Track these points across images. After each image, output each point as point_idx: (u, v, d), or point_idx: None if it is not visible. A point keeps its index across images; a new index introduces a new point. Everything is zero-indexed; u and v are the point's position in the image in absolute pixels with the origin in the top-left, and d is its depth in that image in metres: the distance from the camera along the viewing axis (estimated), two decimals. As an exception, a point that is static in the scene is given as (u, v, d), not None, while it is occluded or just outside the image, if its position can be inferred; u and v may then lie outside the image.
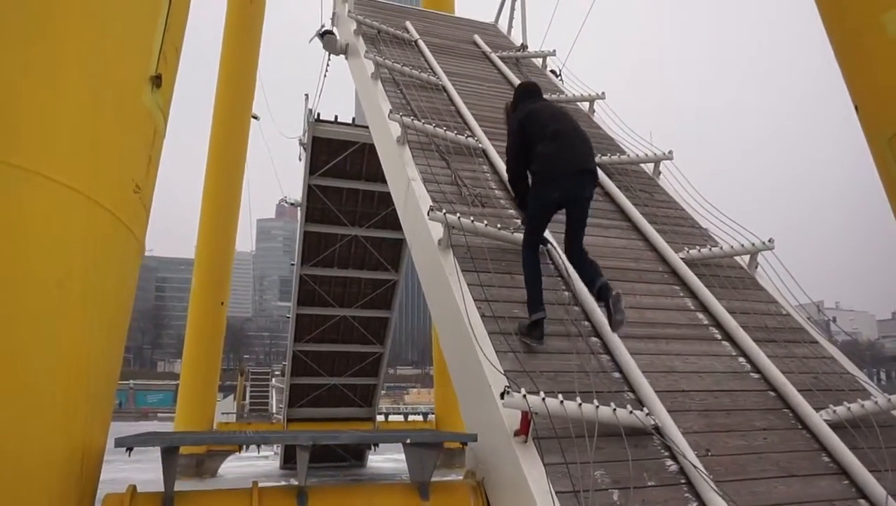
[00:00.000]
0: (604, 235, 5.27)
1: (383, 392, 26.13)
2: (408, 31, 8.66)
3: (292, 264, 15.13)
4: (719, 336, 4.41)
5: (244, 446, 16.05)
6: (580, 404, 3.17)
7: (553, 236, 4.65)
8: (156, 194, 3.82)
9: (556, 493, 2.89)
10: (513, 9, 10.28)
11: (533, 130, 4.19)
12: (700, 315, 4.58)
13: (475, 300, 4.01)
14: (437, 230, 4.47)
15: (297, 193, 14.75)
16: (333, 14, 9.30)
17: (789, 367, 4.12)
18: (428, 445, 3.55)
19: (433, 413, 19.18)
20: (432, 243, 4.51)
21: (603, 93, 7.81)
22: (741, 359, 4.23)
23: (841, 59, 5.99)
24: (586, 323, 4.19)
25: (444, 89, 7.20)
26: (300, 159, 13.69)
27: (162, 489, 3.23)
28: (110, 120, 3.20)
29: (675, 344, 4.23)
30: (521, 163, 4.41)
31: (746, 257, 5.24)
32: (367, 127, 8.74)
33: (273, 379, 24.01)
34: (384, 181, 6.51)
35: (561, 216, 4.22)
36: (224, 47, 17.23)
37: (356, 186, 13.23)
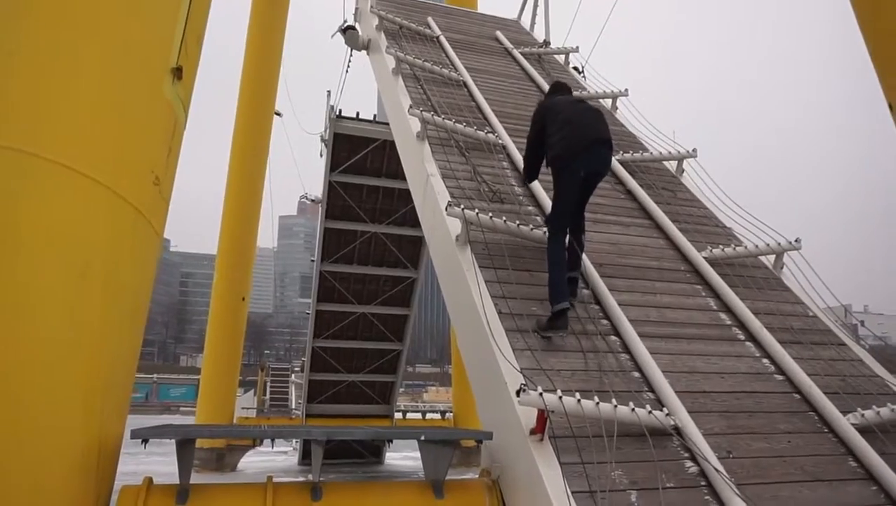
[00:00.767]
0: (625, 233, 5.19)
1: (401, 390, 26.20)
2: (430, 27, 8.64)
3: (312, 261, 15.22)
4: (742, 337, 4.31)
5: (262, 441, 16.20)
6: (598, 403, 3.11)
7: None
8: (182, 190, 3.84)
9: (573, 493, 2.83)
10: (536, 5, 10.20)
11: (550, 117, 4.31)
12: (723, 315, 4.48)
13: (492, 297, 3.97)
14: (455, 226, 4.44)
15: (318, 189, 14.84)
16: (356, 10, 9.31)
17: (815, 369, 4.01)
18: (443, 442, 3.51)
19: (451, 412, 19.17)
20: (450, 239, 4.48)
21: (626, 90, 7.70)
22: (765, 360, 4.12)
23: (875, 59, 5.87)
24: (605, 321, 4.12)
25: (465, 85, 7.16)
26: (321, 156, 13.76)
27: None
28: (131, 112, 3.22)
29: (697, 344, 4.14)
30: (536, 150, 4.53)
31: (772, 258, 5.12)
32: (388, 124, 8.75)
33: (293, 375, 24.22)
34: (404, 179, 6.50)
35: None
36: (248, 42, 17.39)
37: (377, 182, 13.27)
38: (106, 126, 3.06)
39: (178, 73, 3.46)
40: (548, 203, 4.82)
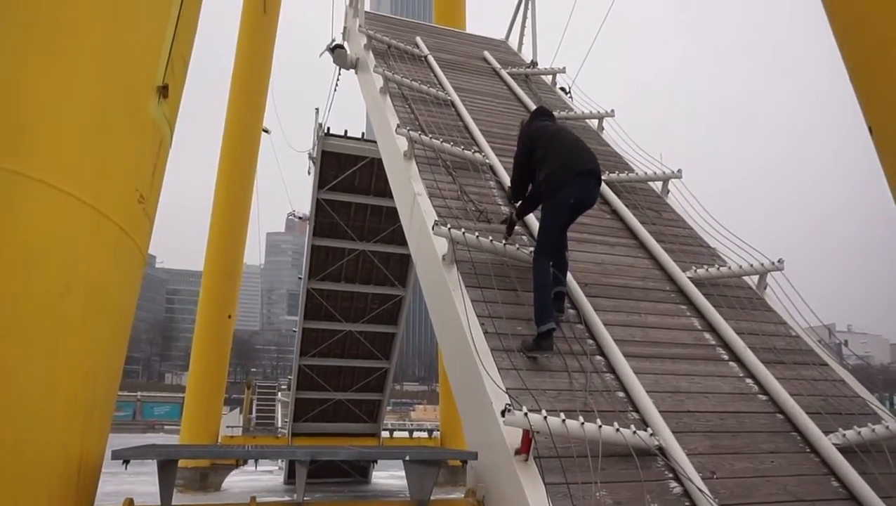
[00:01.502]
0: (611, 253, 5.23)
1: (389, 408, 25.99)
2: (418, 47, 8.73)
3: (300, 278, 15.15)
4: (726, 357, 4.34)
5: (247, 460, 15.98)
6: (583, 423, 3.11)
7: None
8: (169, 206, 3.83)
9: (557, 514, 2.82)
10: (523, 26, 10.34)
11: (540, 142, 4.39)
12: (707, 335, 4.52)
13: (478, 316, 3.98)
14: (442, 245, 4.46)
15: (306, 207, 14.82)
16: (344, 29, 9.39)
17: (798, 389, 4.04)
18: (428, 462, 3.50)
19: (439, 430, 19.03)
20: (436, 258, 4.49)
21: (612, 110, 7.81)
22: (748, 380, 4.15)
23: (855, 81, 5.97)
24: (590, 341, 4.14)
25: (453, 105, 7.22)
26: (309, 173, 13.76)
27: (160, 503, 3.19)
28: (116, 130, 3.21)
29: (681, 364, 4.17)
30: (524, 171, 4.58)
31: (755, 278, 5.18)
32: (376, 142, 8.79)
33: (279, 393, 23.96)
34: (392, 197, 6.53)
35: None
36: (236, 59, 17.42)
37: (364, 200, 13.27)
38: (90, 144, 3.05)
39: (163, 91, 3.47)
40: (534, 223, 4.86)
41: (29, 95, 2.91)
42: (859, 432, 3.62)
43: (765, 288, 5.14)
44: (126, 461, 3.10)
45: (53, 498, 2.82)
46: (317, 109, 13.57)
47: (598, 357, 4.03)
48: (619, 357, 3.93)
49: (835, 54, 6.02)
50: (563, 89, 9.00)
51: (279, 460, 18.34)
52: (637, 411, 3.63)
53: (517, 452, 3.12)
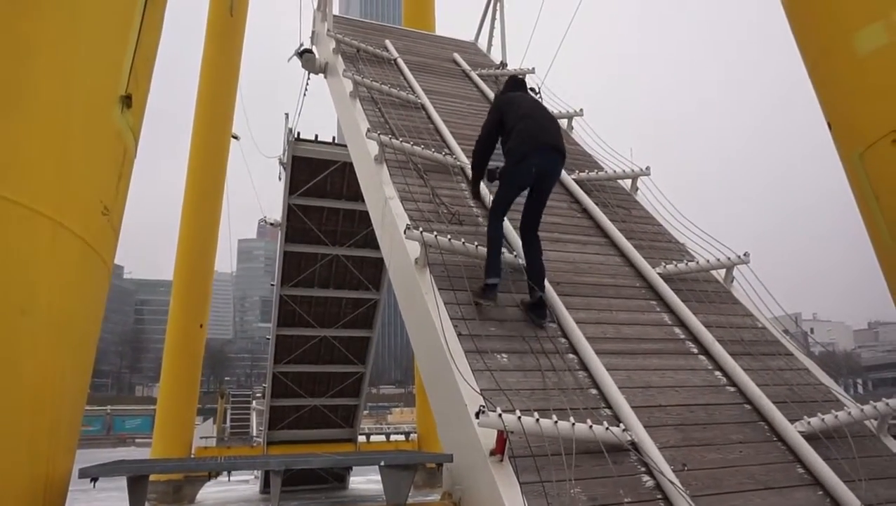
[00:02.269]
0: (582, 252, 5.30)
1: (366, 412, 25.89)
2: (387, 50, 8.72)
3: (272, 285, 14.99)
4: (696, 350, 4.43)
5: (220, 472, 15.74)
6: (556, 422, 3.15)
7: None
8: (136, 215, 3.77)
9: (533, 512, 2.85)
10: (492, 27, 10.40)
11: (510, 111, 4.61)
12: (677, 330, 4.61)
13: (452, 319, 4.00)
14: (414, 249, 4.46)
15: (277, 212, 14.67)
16: (313, 33, 9.34)
17: (765, 379, 4.15)
18: (403, 466, 3.50)
19: (416, 432, 19.00)
20: (409, 262, 4.50)
21: (581, 110, 7.91)
22: (717, 373, 4.25)
23: (813, 78, 6.13)
24: (563, 339, 4.19)
25: (423, 107, 7.23)
26: (280, 179, 13.63)
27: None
28: (77, 141, 3.15)
29: (652, 359, 4.24)
30: (491, 138, 4.87)
31: (723, 271, 5.29)
32: (346, 146, 8.75)
33: (254, 401, 23.67)
34: (365, 200, 6.51)
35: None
36: (203, 64, 17.17)
37: (337, 205, 13.19)
38: (50, 156, 2.98)
39: (127, 100, 3.41)
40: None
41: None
42: (823, 420, 3.73)
43: (731, 281, 5.26)
44: (94, 479, 3.03)
45: (20, 518, 2.75)
46: (286, 114, 13.46)
47: (571, 355, 4.07)
48: (592, 355, 3.98)
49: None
50: (532, 90, 9.07)
51: (254, 471, 18.13)
52: (610, 407, 3.68)
53: (492, 452, 3.14)
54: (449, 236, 4.44)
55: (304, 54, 8.67)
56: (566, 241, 5.38)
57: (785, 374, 4.34)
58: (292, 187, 12.93)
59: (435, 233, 4.40)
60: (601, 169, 6.68)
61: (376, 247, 11.63)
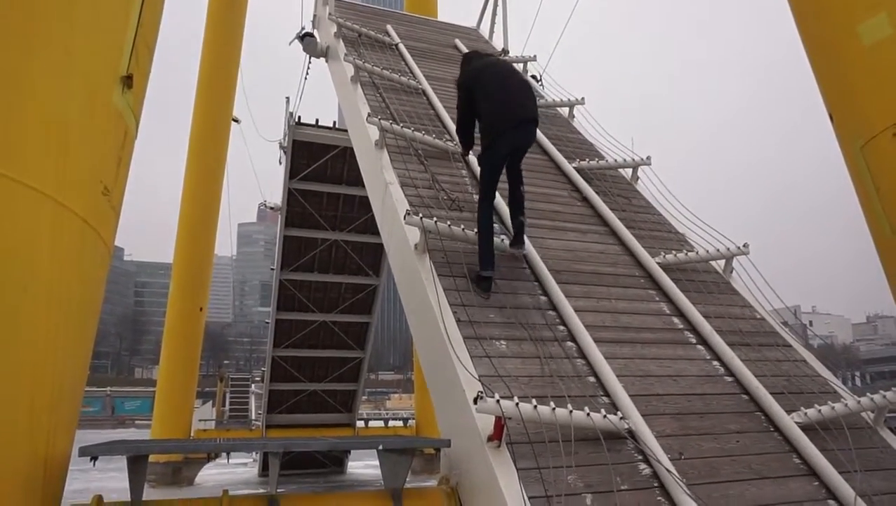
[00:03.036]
0: (582, 240, 5.29)
1: (364, 398, 25.99)
2: (389, 35, 8.65)
3: (272, 269, 15.01)
4: (694, 340, 4.44)
5: (219, 454, 15.85)
6: (554, 409, 3.16)
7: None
8: (138, 197, 3.76)
9: (529, 498, 2.87)
10: (494, 14, 10.32)
11: (477, 88, 4.60)
12: (675, 319, 4.61)
13: (451, 305, 4.00)
14: (414, 235, 4.46)
15: (277, 197, 14.65)
16: (314, 17, 9.26)
17: (762, 370, 4.15)
18: (401, 451, 3.52)
19: (414, 418, 19.11)
20: (409, 248, 4.49)
21: (583, 98, 7.86)
22: (715, 363, 4.25)
23: (816, 69, 6.09)
24: (562, 327, 4.19)
25: (424, 93, 7.19)
26: (280, 163, 13.60)
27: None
28: (78, 121, 3.13)
29: (651, 348, 4.24)
30: (466, 117, 4.94)
31: (722, 262, 5.29)
32: (347, 130, 8.71)
33: (253, 385, 23.78)
34: (364, 185, 6.49)
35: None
36: (204, 46, 17.08)
37: (337, 190, 13.18)
38: (50, 135, 2.96)
39: (128, 81, 3.38)
40: (505, 210, 4.90)
41: (-16, 85, 2.82)
42: (820, 411, 3.74)
43: (731, 272, 5.26)
44: (94, 458, 3.05)
45: (18, 497, 2.77)
46: (287, 98, 13.40)
47: (570, 343, 4.08)
48: (590, 343, 3.99)
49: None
50: (534, 77, 9.02)
51: (253, 453, 18.26)
52: (607, 395, 3.69)
53: (490, 438, 3.15)
54: (449, 222, 4.44)
55: (305, 38, 8.61)
56: (566, 229, 5.38)
57: (783, 365, 4.34)
58: (293, 172, 12.91)
59: (435, 219, 4.40)
60: (602, 158, 6.66)
61: (376, 232, 11.62)
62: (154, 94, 3.93)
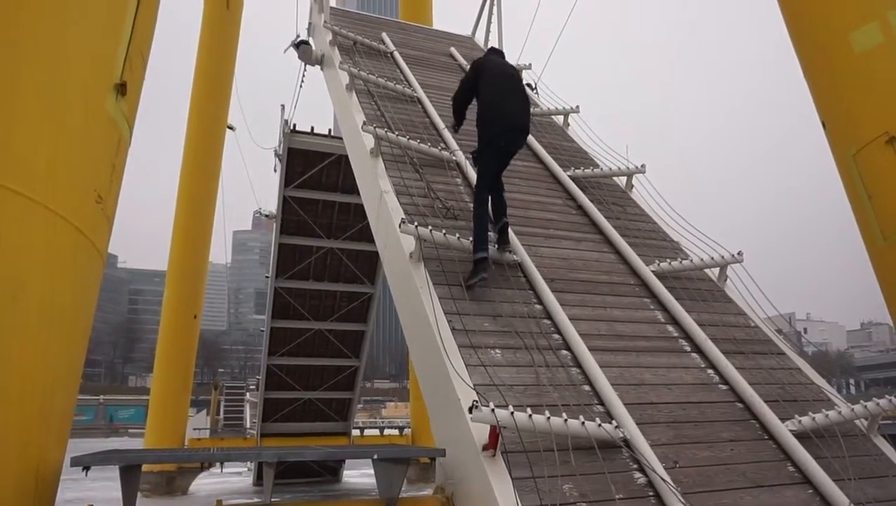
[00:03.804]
0: (576, 249, 5.30)
1: (360, 406, 25.91)
2: (384, 43, 8.68)
3: (267, 277, 14.95)
4: (689, 348, 4.44)
5: (213, 463, 15.75)
6: (549, 418, 3.15)
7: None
8: (131, 205, 3.75)
9: (524, 507, 2.86)
10: (489, 22, 10.36)
11: (483, 76, 5.03)
12: (670, 327, 4.62)
13: (446, 313, 3.99)
14: (409, 243, 4.46)
15: (272, 204, 14.62)
16: (309, 24, 9.29)
17: (756, 378, 4.16)
18: (396, 460, 3.50)
19: (410, 427, 19.02)
20: (404, 256, 4.49)
21: (577, 106, 7.90)
22: (710, 371, 4.26)
23: (808, 77, 6.14)
24: (556, 336, 4.19)
25: (419, 101, 7.21)
26: (276, 170, 13.58)
27: (121, 508, 3.13)
28: (71, 128, 3.12)
29: (645, 356, 4.25)
30: (464, 94, 5.33)
31: (716, 270, 5.30)
32: (342, 138, 8.72)
33: (248, 393, 23.66)
34: (360, 193, 6.49)
35: None
36: (199, 55, 17.07)
37: (332, 197, 13.15)
38: (43, 143, 2.96)
39: (121, 88, 3.38)
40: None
41: (-23, 93, 2.81)
42: (814, 419, 3.75)
43: (725, 280, 5.27)
44: (86, 468, 3.03)
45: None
46: (282, 106, 13.38)
47: (565, 351, 4.08)
48: (585, 351, 3.99)
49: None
50: (528, 85, 9.06)
51: (248, 462, 18.15)
52: (602, 404, 3.69)
53: (485, 447, 3.14)
54: (444, 231, 4.44)
55: (300, 46, 8.62)
56: (561, 237, 5.39)
57: (777, 373, 4.35)
58: (288, 179, 12.89)
59: (430, 227, 4.40)
60: (596, 166, 6.68)
61: (371, 240, 11.56)
62: (148, 102, 3.93)
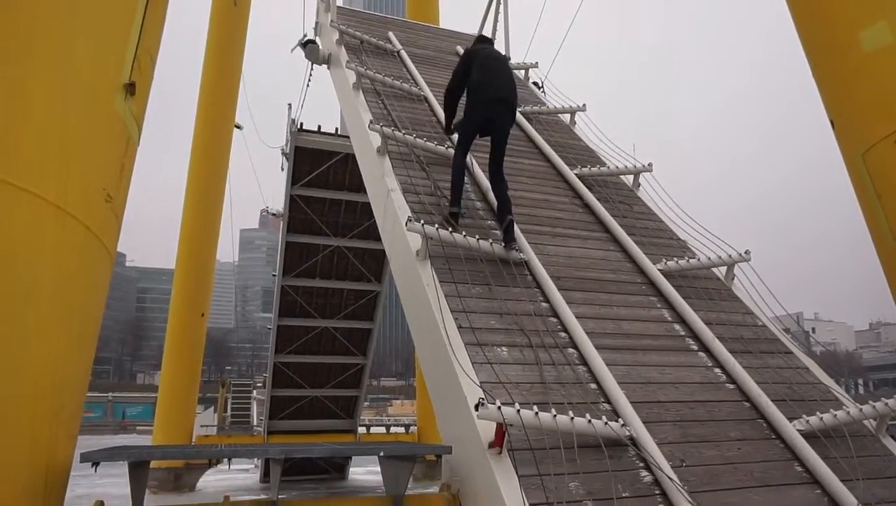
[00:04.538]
0: (583, 247, 5.29)
1: (366, 404, 25.99)
2: (390, 42, 8.69)
3: (274, 275, 15.01)
4: (695, 347, 4.43)
5: (221, 460, 15.82)
6: (555, 416, 3.15)
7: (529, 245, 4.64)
8: (140, 203, 3.78)
9: (531, 505, 2.86)
10: (496, 21, 10.36)
11: (474, 64, 5.29)
12: (677, 326, 4.61)
13: (452, 311, 4.00)
14: (416, 241, 4.46)
15: (280, 203, 14.67)
16: (316, 24, 9.31)
17: (764, 377, 4.15)
18: (402, 457, 3.51)
19: (416, 425, 19.06)
20: (410, 254, 4.50)
21: (584, 105, 7.89)
22: (717, 370, 4.25)
23: (817, 75, 6.10)
24: (563, 334, 4.19)
25: (426, 100, 7.22)
26: (283, 169, 13.63)
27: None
28: (81, 128, 3.15)
29: (652, 355, 4.24)
30: (458, 84, 5.55)
31: (724, 269, 5.29)
32: (349, 137, 8.74)
33: (255, 391, 23.73)
34: (366, 192, 6.51)
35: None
36: (207, 54, 17.15)
37: (339, 196, 13.19)
38: (53, 143, 2.98)
39: (130, 88, 3.40)
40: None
41: (-12, 93, 2.84)
42: (822, 418, 3.73)
43: (732, 279, 5.25)
44: (96, 464, 3.05)
45: (20, 502, 2.77)
46: (289, 105, 13.45)
47: (571, 350, 4.08)
48: (591, 349, 3.98)
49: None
50: (535, 84, 9.06)
51: (255, 459, 18.23)
52: (609, 402, 3.69)
53: (491, 445, 3.15)
54: (450, 229, 4.44)
55: (307, 45, 8.64)
56: (568, 236, 5.38)
57: (784, 372, 4.34)
58: (295, 178, 12.93)
59: (436, 225, 4.41)
60: (603, 164, 6.67)
61: (378, 238, 11.58)
62: (156, 101, 3.96)
